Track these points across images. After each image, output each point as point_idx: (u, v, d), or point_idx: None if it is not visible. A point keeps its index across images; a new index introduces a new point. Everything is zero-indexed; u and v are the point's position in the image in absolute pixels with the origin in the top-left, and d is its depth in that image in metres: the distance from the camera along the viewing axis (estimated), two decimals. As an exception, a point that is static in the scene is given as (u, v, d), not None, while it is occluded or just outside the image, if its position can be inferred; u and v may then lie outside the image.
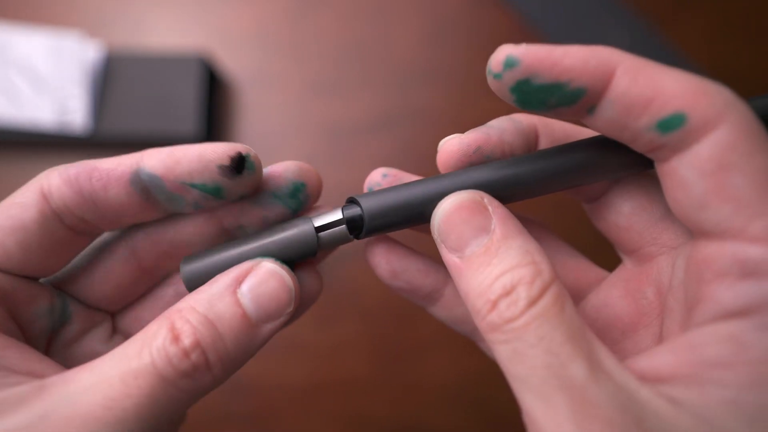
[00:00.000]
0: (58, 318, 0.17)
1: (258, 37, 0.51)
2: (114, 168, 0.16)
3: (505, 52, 0.14)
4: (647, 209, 0.16)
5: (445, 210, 0.15)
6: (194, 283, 0.17)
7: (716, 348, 0.12)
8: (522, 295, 0.13)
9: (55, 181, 0.15)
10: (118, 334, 0.19)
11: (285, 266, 0.16)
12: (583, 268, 0.19)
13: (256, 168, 0.16)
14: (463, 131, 0.17)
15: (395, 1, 0.52)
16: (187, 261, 0.17)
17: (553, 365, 0.12)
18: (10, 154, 0.50)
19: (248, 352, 0.16)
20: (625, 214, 0.17)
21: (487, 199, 0.15)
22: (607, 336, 0.16)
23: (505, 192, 0.16)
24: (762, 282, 0.11)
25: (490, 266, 0.13)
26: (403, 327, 0.48)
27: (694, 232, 0.13)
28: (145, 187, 0.16)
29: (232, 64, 0.51)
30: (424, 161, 0.49)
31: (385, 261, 0.18)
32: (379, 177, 0.18)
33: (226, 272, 0.16)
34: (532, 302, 0.12)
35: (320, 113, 0.50)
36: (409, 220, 0.16)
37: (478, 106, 0.51)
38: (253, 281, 0.16)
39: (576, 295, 0.18)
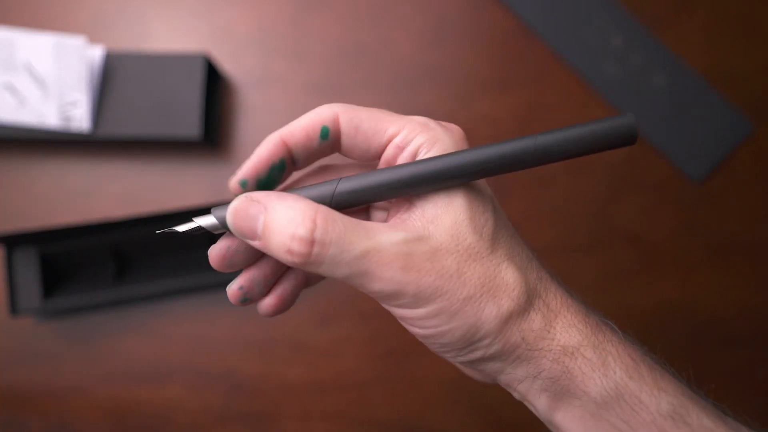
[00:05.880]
0: None
1: (259, 38, 0.52)
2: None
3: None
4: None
5: (229, 218, 0.20)
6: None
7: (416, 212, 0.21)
8: (303, 235, 0.18)
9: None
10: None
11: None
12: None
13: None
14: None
15: (395, 3, 0.52)
16: None
17: (344, 253, 0.19)
18: (15, 153, 0.50)
19: None
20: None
21: (252, 195, 0.20)
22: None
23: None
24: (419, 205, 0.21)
25: (275, 231, 0.19)
26: (402, 327, 0.48)
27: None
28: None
29: (234, 65, 0.51)
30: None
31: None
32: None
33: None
34: (311, 233, 0.18)
35: (321, 114, 0.51)
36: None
37: (477, 107, 0.51)
38: None
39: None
